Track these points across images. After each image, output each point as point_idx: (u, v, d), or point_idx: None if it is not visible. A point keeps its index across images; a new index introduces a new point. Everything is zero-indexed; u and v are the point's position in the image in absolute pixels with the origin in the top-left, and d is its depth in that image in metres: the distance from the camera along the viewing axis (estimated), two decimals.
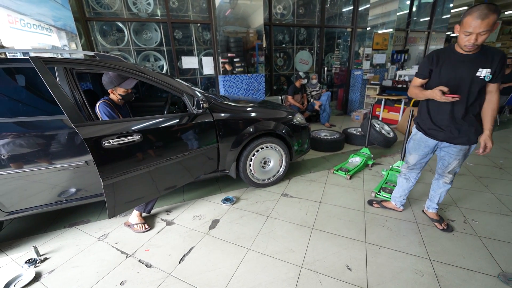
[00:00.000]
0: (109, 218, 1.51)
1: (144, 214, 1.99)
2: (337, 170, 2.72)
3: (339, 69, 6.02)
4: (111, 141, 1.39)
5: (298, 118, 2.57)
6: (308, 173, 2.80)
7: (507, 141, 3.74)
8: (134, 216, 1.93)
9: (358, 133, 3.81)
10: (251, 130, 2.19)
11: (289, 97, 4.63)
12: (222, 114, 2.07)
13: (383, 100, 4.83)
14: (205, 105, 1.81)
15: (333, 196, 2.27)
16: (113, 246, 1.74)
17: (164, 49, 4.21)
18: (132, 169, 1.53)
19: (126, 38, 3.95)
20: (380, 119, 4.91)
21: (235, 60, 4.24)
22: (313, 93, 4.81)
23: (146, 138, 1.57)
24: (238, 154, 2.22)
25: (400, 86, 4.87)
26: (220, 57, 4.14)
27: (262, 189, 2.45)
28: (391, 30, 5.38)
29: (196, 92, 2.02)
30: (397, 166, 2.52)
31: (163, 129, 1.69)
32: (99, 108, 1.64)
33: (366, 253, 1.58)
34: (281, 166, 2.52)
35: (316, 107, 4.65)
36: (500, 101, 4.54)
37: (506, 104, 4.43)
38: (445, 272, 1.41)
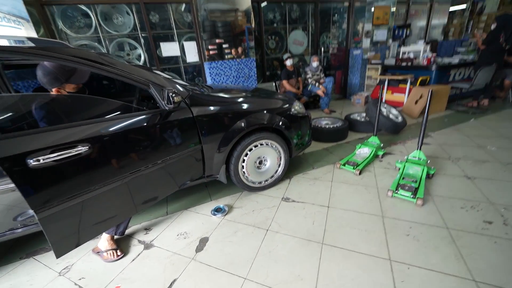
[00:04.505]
0: (56, 258, 1.14)
1: (116, 237, 1.63)
2: (343, 164, 2.36)
3: (337, 49, 5.54)
4: (41, 158, 0.99)
5: (297, 107, 2.17)
6: (310, 169, 2.44)
7: None
8: (103, 241, 1.57)
9: (362, 119, 3.43)
10: (242, 125, 1.80)
11: (284, 82, 4.19)
12: (204, 108, 1.66)
13: (386, 80, 4.42)
14: (177, 99, 1.41)
15: (343, 198, 1.93)
16: (76, 284, 1.39)
17: (139, 35, 3.70)
18: (82, 192, 1.15)
19: (93, 24, 3.43)
20: (383, 101, 4.52)
21: (224, 46, 3.77)
22: (315, 77, 4.36)
23: (98, 148, 1.18)
24: (227, 155, 1.85)
25: (404, 64, 4.45)
26: (204, 42, 3.66)
27: (258, 193, 2.09)
28: (392, 2, 4.88)
29: (176, 85, 1.61)
30: (413, 157, 2.17)
31: (123, 134, 1.29)
32: (36, 114, 1.22)
33: (393, 275, 1.25)
34: (279, 165, 2.15)
35: (320, 92, 4.22)
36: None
37: None
38: None
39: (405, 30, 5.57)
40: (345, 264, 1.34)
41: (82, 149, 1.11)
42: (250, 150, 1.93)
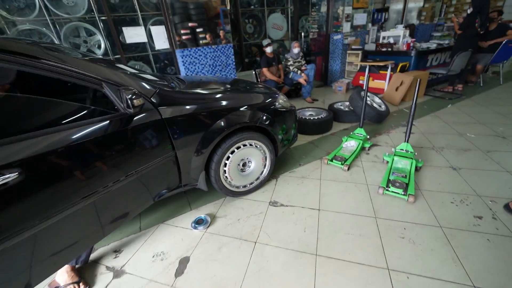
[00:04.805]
0: None
1: (78, 266, 1.38)
2: (331, 160, 2.25)
3: (317, 34, 5.34)
4: None
5: (281, 101, 1.98)
6: (297, 166, 2.31)
7: (496, 103, 3.53)
8: (62, 273, 1.31)
9: (346, 109, 3.34)
10: (221, 126, 1.58)
11: (265, 70, 3.95)
12: (176, 108, 1.41)
13: (368, 67, 4.35)
14: (138, 102, 1.15)
15: (333, 198, 1.82)
16: None
17: (97, 18, 3.20)
18: (23, 228, 0.89)
19: (37, 5, 2.87)
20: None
21: (198, 30, 3.39)
22: (296, 64, 4.15)
23: (34, 172, 0.91)
24: (206, 160, 1.63)
25: (384, 49, 4.39)
26: (174, 26, 3.26)
27: (243, 198, 1.92)
28: None
29: (141, 81, 1.34)
30: (401, 150, 2.11)
31: (69, 150, 1.02)
32: None
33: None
34: (264, 166, 1.98)
35: (302, 80, 4.04)
36: (484, 60, 4.33)
37: (491, 63, 4.20)
38: None
39: (383, 14, 5.49)
40: (342, 278, 1.24)
41: (10, 176, 0.83)
42: (232, 152, 1.73)
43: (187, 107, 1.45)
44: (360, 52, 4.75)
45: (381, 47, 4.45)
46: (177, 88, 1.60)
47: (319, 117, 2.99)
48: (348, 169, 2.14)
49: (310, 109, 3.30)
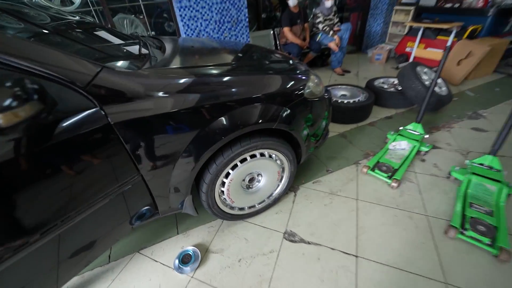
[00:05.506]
0: None
1: None
2: (372, 169, 1.64)
3: None
4: None
5: (311, 84, 1.29)
6: (324, 173, 1.71)
7: None
8: None
9: (392, 88, 2.55)
10: (213, 132, 0.97)
11: (286, 29, 3.08)
12: (135, 106, 0.80)
13: (421, 29, 3.33)
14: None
15: (378, 236, 1.26)
16: None
17: None
18: None
19: None
20: (411, 59, 3.53)
21: None
22: (327, 22, 3.22)
23: None
24: (195, 177, 1.07)
25: (449, 5, 3.28)
26: None
27: (249, 222, 1.40)
28: None
29: (66, 57, 0.76)
30: (481, 165, 1.45)
31: None
32: None
33: None
34: (281, 180, 1.40)
35: (333, 45, 3.16)
36: None
37: None
38: None
39: None
40: None
41: None
42: (235, 167, 1.15)
43: (157, 102, 0.84)
44: (412, 8, 3.64)
45: (444, 2, 3.33)
46: (147, 65, 0.96)
47: (356, 100, 2.26)
48: (398, 185, 1.53)
49: (342, 87, 2.54)
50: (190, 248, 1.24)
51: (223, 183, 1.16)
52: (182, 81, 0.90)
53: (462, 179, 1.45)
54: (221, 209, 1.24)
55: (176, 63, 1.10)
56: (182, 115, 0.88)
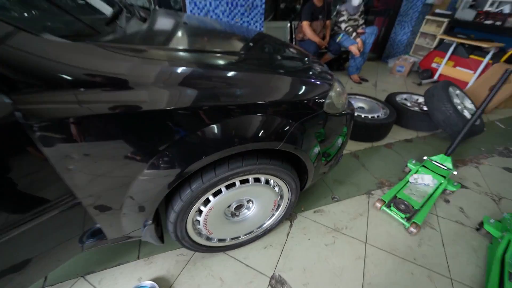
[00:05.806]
0: None
1: None
2: (387, 205, 1.35)
3: None
4: None
5: (334, 94, 0.97)
6: (329, 200, 1.43)
7: None
8: None
9: (415, 108, 2.24)
10: (194, 151, 0.67)
11: (305, 24, 2.73)
12: (64, 97, 0.50)
13: (454, 45, 3.00)
14: None
15: None
16: None
17: None
18: None
19: None
20: (436, 76, 3.21)
21: None
22: (351, 22, 2.88)
23: None
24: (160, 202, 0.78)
25: (490, 22, 2.94)
26: None
27: (227, 256, 1.12)
28: None
29: None
30: None
31: None
32: None
33: None
34: (277, 209, 1.12)
35: (354, 49, 2.83)
36: None
37: None
38: None
39: None
40: None
41: None
42: (217, 194, 0.86)
43: (107, 94, 0.53)
44: (446, 20, 3.29)
45: (484, 18, 2.99)
46: (109, 37, 0.65)
47: (375, 116, 1.95)
48: (418, 231, 1.25)
49: (360, 98, 2.23)
50: (147, 284, 0.96)
51: (200, 211, 0.87)
52: (145, 66, 0.59)
53: (499, 237, 1.17)
54: (194, 240, 0.95)
55: (148, 41, 0.79)
56: (133, 117, 0.58)
